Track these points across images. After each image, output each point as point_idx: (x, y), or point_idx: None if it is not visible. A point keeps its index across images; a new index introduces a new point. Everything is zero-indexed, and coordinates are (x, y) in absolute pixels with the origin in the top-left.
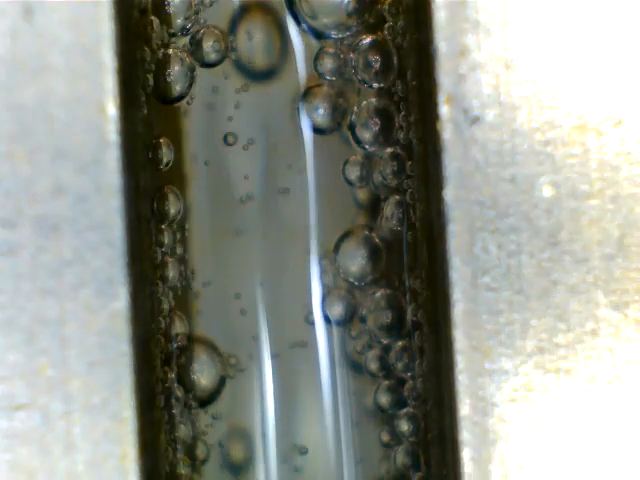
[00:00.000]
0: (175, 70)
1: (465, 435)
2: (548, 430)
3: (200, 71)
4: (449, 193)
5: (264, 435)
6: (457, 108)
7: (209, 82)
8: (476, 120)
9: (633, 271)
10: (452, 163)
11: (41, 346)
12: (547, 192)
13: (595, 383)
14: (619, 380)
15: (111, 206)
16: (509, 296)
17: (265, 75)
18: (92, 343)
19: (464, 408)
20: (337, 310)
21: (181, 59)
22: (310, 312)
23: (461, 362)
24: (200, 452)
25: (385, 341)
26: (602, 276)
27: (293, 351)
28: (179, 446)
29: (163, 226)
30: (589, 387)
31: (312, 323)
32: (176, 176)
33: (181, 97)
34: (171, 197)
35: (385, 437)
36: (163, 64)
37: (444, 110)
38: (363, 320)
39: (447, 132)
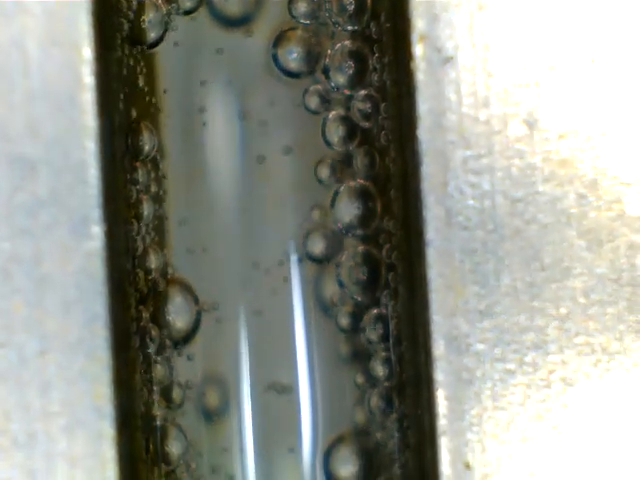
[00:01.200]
0: (150, 16)
1: (440, 375)
2: (522, 369)
3: (175, 17)
4: (423, 133)
5: (239, 375)
6: (430, 48)
7: (185, 28)
8: (449, 60)
9: (606, 210)
10: (426, 103)
11: (16, 285)
12: (521, 132)
13: (569, 322)
14: (592, 319)
15: (86, 147)
16: (483, 235)
17: (240, 20)
18: (67, 282)
19: (438, 348)
20: (317, 249)
21: (156, 5)
22: (288, 251)
23: (435, 302)
24: (176, 394)
25: (360, 279)
26: (576, 216)
27: (269, 292)
28: (155, 387)
29: (137, 163)
30: (563, 325)
31: (289, 262)
32: (151, 113)
33: (156, 43)
34: (145, 133)
35: (360, 379)
36: (139, 10)
37: (417, 50)
38: (338, 265)
39: (421, 72)
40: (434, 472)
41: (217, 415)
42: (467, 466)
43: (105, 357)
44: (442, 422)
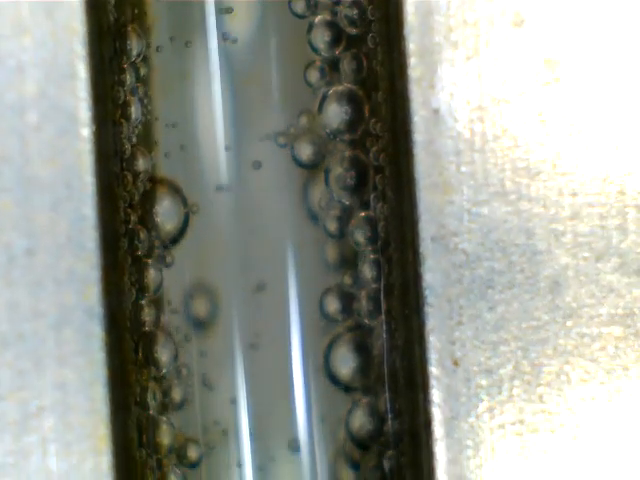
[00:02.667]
0: None
1: (428, 275)
2: (510, 268)
3: None
4: (410, 34)
5: (228, 278)
6: None
7: None
8: None
9: None
10: (413, 4)
11: (5, 185)
12: (509, 33)
13: (558, 221)
14: (581, 219)
15: (75, 49)
16: (471, 135)
17: None
18: (56, 182)
19: (426, 248)
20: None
21: None
22: (275, 155)
23: (423, 202)
24: (165, 298)
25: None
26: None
27: (259, 194)
28: (143, 290)
29: (125, 65)
30: (550, 225)
31: (277, 166)
32: (139, 16)
33: None
34: (133, 36)
35: (348, 280)
36: None
37: None
38: (326, 170)
39: None
40: (423, 371)
41: (206, 319)
42: (455, 363)
43: (94, 257)
44: (430, 321)
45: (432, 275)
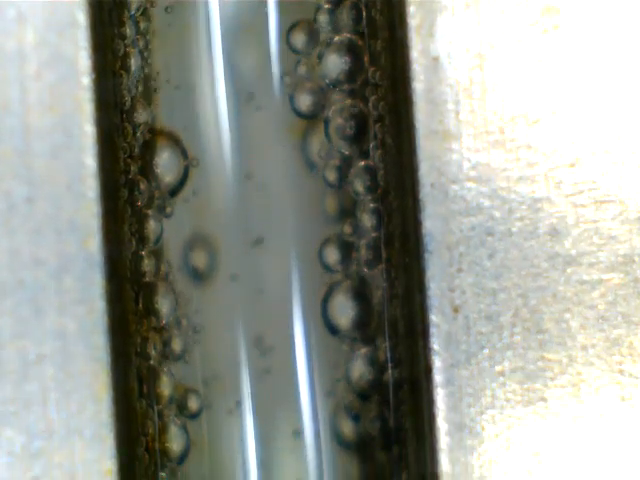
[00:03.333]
0: None
1: (427, 222)
2: (510, 216)
3: None
4: None
5: (227, 231)
6: None
7: None
8: None
9: None
10: None
11: (5, 133)
12: None
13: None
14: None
15: None
16: (469, 81)
17: None
18: (56, 129)
19: (426, 194)
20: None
21: None
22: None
23: (423, 149)
24: (164, 249)
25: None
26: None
27: (253, 135)
28: (143, 241)
29: (125, 18)
30: (549, 175)
31: (277, 121)
32: None
33: None
34: None
35: (347, 230)
36: None
37: None
38: (326, 120)
39: None
40: (423, 319)
41: (206, 271)
42: (455, 310)
43: (94, 206)
44: (430, 268)
45: (432, 222)
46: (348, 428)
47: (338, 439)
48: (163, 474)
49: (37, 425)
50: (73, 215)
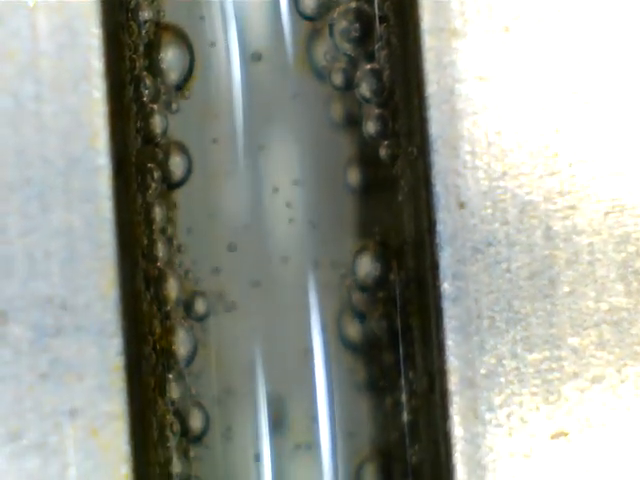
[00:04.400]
0: None
1: (433, 111)
2: (517, 147)
3: None
4: None
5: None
6: None
7: None
8: None
9: None
10: None
11: (11, 32)
12: None
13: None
14: None
15: None
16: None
17: None
18: (62, 28)
19: (431, 86)
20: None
21: None
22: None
23: (428, 47)
24: (170, 149)
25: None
26: None
27: (258, 36)
28: (149, 138)
29: None
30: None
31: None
32: None
33: None
34: None
35: (355, 137)
36: None
37: None
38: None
39: None
40: (429, 214)
41: (209, 165)
42: (461, 206)
43: (100, 105)
44: (436, 165)
45: (437, 121)
46: (355, 329)
47: (344, 341)
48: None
49: (44, 321)
50: (80, 114)
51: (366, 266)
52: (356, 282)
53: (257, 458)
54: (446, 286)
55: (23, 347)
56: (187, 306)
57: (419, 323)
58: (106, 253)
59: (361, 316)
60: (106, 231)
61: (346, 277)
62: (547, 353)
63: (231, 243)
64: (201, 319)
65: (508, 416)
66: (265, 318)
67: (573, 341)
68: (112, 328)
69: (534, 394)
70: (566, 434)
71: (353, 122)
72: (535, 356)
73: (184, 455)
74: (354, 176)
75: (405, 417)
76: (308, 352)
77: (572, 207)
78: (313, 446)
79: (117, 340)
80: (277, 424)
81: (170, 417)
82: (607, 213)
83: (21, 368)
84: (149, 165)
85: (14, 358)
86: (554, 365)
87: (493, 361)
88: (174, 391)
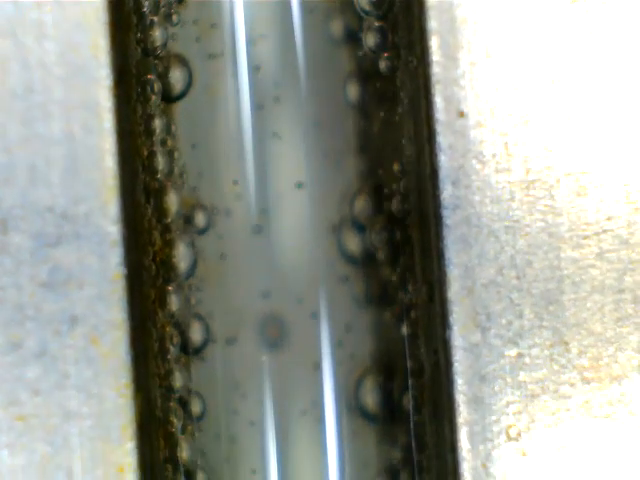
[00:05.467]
0: None
1: (433, 24)
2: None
3: None
4: None
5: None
6: None
7: None
8: None
9: None
10: None
11: None
12: None
13: None
14: None
15: None
16: None
17: None
18: None
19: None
20: None
21: None
22: None
23: None
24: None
25: None
26: None
27: None
28: (151, 50)
29: None
30: None
31: None
32: None
33: None
34: None
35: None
36: None
37: None
38: None
39: None
40: (429, 124)
41: (211, 82)
42: (461, 115)
43: (101, 14)
44: (436, 70)
45: (437, 31)
46: (355, 242)
47: (344, 253)
48: None
49: (45, 230)
50: (80, 24)
51: (366, 178)
52: (355, 195)
53: (259, 370)
54: (446, 195)
55: (23, 256)
56: (187, 219)
57: (419, 234)
58: (106, 163)
59: (361, 228)
60: (107, 141)
61: (345, 190)
62: (547, 263)
63: (231, 155)
64: (202, 232)
65: (507, 325)
66: (263, 220)
67: (573, 254)
68: (112, 237)
69: (534, 304)
70: (565, 342)
71: (353, 36)
72: (535, 266)
73: (184, 368)
74: (354, 90)
75: (405, 330)
76: (310, 264)
77: (569, 117)
78: (315, 362)
79: (117, 249)
80: (276, 342)
81: (170, 329)
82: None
83: (21, 277)
84: (149, 77)
85: (14, 267)
86: (554, 274)
87: (493, 271)
88: (174, 304)
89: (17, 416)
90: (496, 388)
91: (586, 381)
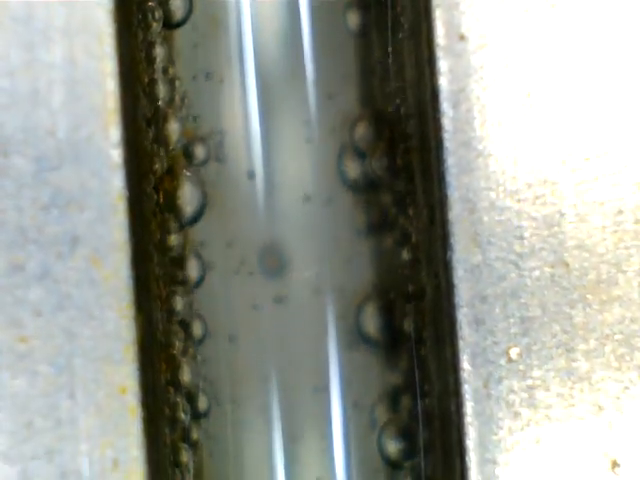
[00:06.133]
0: None
1: None
2: None
3: None
4: None
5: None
6: None
7: None
8: None
9: None
10: None
11: None
12: None
13: None
14: None
15: None
16: None
17: None
18: None
19: None
20: None
21: None
22: None
23: None
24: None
25: None
26: None
27: None
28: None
29: None
30: None
31: None
32: None
33: None
34: None
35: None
36: None
37: None
38: None
39: None
40: (430, 46)
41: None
42: (461, 37)
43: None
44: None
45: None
46: (355, 168)
47: (343, 179)
48: None
49: (46, 154)
50: None
51: (367, 102)
52: (357, 119)
53: (255, 307)
54: (446, 118)
55: (25, 179)
56: (187, 150)
57: (420, 158)
58: (108, 86)
59: (362, 155)
60: (108, 65)
61: (347, 115)
62: (545, 188)
63: (231, 81)
64: (202, 164)
65: (508, 246)
66: (266, 164)
67: (572, 177)
68: (114, 160)
69: (534, 219)
70: (566, 264)
71: None
72: (535, 187)
73: (186, 293)
74: (354, 18)
75: (405, 255)
76: (309, 198)
77: (568, 40)
78: (315, 289)
79: (119, 172)
80: (276, 271)
81: (172, 256)
82: None
83: (23, 200)
84: (150, 4)
85: (16, 190)
86: (553, 193)
87: (493, 193)
88: (174, 238)
89: (19, 338)
90: (497, 310)
91: (587, 303)
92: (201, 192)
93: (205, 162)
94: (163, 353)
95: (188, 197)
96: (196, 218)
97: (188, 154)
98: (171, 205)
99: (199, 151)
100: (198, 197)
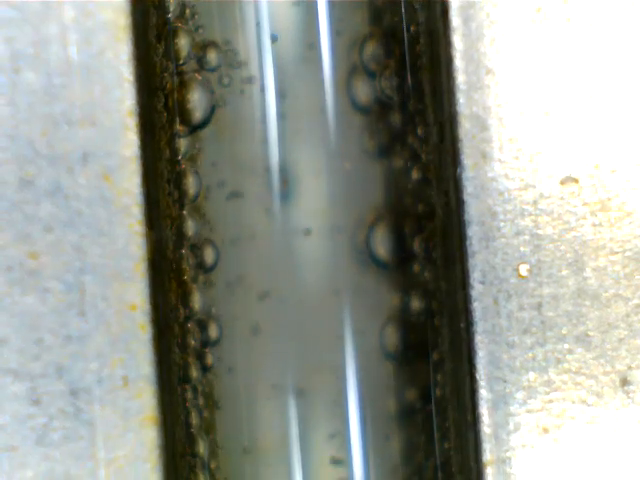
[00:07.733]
0: None
1: None
2: None
3: None
4: None
5: None
6: None
7: None
8: None
9: None
10: None
11: None
12: None
13: None
14: None
15: None
16: None
17: None
18: None
19: None
20: None
21: None
22: None
23: None
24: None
25: None
26: None
27: None
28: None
29: None
30: None
31: None
32: None
33: None
34: None
35: None
36: None
37: None
38: None
39: None
40: (442, 3)
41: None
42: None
43: None
44: None
45: None
46: (364, 88)
47: (354, 102)
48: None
49: (57, 68)
50: None
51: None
52: (366, 41)
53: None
54: (457, 36)
55: (37, 95)
56: (199, 59)
57: (429, 77)
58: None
59: (371, 75)
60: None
61: (356, 39)
62: (555, 104)
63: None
64: (213, 70)
65: (518, 160)
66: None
67: (583, 94)
68: (124, 76)
69: (543, 135)
70: (576, 180)
71: None
72: (544, 103)
73: (198, 214)
74: None
75: (415, 175)
76: (321, 111)
77: None
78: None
79: (130, 88)
80: (285, 193)
81: (184, 170)
82: None
83: (34, 116)
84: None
85: (27, 106)
86: (563, 108)
87: (504, 109)
88: (183, 147)
89: (29, 254)
90: (507, 226)
91: (597, 220)
92: (210, 97)
93: (215, 68)
94: (174, 274)
95: (197, 102)
96: (205, 122)
97: (199, 62)
98: (181, 110)
99: (211, 57)
100: (207, 102)
